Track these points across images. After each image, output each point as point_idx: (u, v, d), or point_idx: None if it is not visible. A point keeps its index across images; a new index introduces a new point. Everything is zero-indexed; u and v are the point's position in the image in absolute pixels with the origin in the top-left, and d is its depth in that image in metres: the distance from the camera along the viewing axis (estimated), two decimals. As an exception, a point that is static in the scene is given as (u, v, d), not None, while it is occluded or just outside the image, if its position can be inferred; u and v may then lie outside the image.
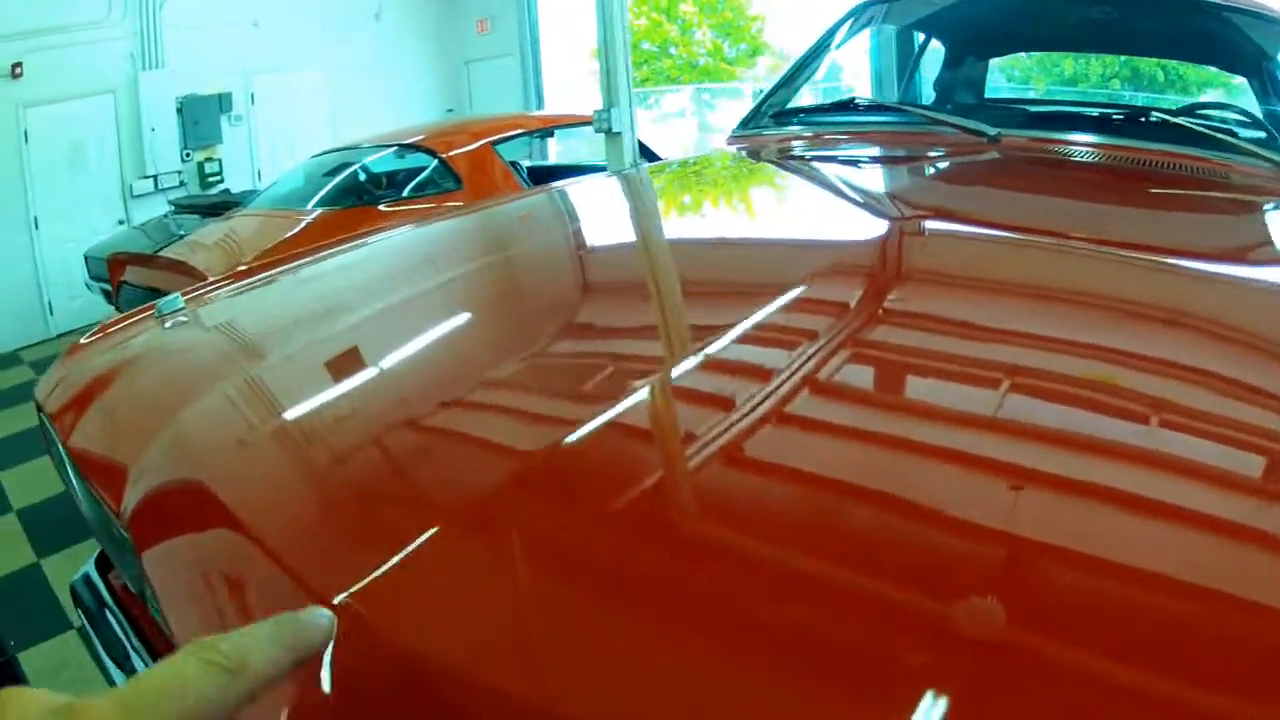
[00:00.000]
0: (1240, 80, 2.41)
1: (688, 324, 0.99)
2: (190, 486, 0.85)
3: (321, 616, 0.51)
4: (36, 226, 7.85)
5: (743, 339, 0.87)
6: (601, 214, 1.84)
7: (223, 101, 9.01)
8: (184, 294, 1.53)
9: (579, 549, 0.58)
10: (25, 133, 7.68)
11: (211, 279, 3.31)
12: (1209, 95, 2.89)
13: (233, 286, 1.61)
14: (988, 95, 3.00)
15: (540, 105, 10.58)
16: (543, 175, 5.30)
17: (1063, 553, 0.53)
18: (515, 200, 2.21)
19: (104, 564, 1.29)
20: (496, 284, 1.35)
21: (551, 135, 6.36)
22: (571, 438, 0.70)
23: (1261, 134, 1.91)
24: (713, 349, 0.84)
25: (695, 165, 2.32)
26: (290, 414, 0.95)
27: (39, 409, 1.27)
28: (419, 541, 0.60)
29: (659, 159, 5.57)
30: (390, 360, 1.02)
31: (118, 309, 4.61)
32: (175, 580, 0.77)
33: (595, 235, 1.63)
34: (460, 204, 4.51)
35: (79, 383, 1.26)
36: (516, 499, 0.64)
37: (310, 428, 0.90)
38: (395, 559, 0.59)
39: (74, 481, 1.10)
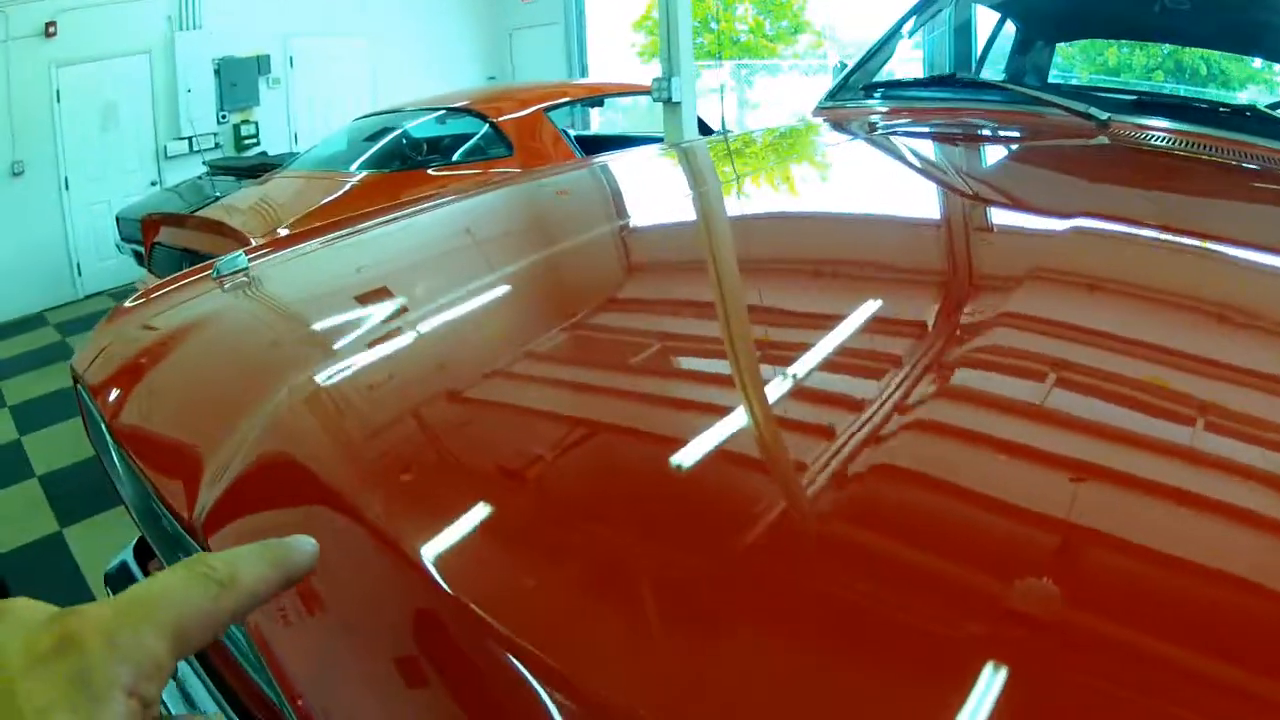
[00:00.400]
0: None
1: (785, 326, 0.89)
2: (301, 485, 0.72)
3: (307, 543, 0.49)
4: (67, 187, 7.73)
5: (845, 345, 0.80)
6: (690, 185, 1.70)
7: (261, 64, 8.83)
8: (247, 252, 1.32)
9: (707, 587, 0.53)
10: (57, 92, 7.56)
11: (264, 239, 3.09)
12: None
13: (294, 248, 1.44)
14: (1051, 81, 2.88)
15: (584, 75, 10.37)
16: (592, 145, 5.08)
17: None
18: (615, 162, 2.04)
19: (142, 552, 1.16)
20: (588, 261, 1.19)
21: (601, 104, 6.18)
22: (680, 460, 0.64)
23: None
24: (813, 355, 0.78)
25: (786, 137, 2.17)
26: (401, 398, 0.81)
27: (76, 380, 1.09)
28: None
29: (712, 132, 5.41)
30: (489, 342, 0.90)
31: (150, 271, 4.50)
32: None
33: (691, 209, 1.45)
34: (511, 170, 4.34)
35: (127, 353, 1.08)
36: (630, 526, 0.60)
37: (438, 417, 0.76)
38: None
39: (116, 463, 0.95)
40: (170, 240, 4.29)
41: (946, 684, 0.43)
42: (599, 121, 7.50)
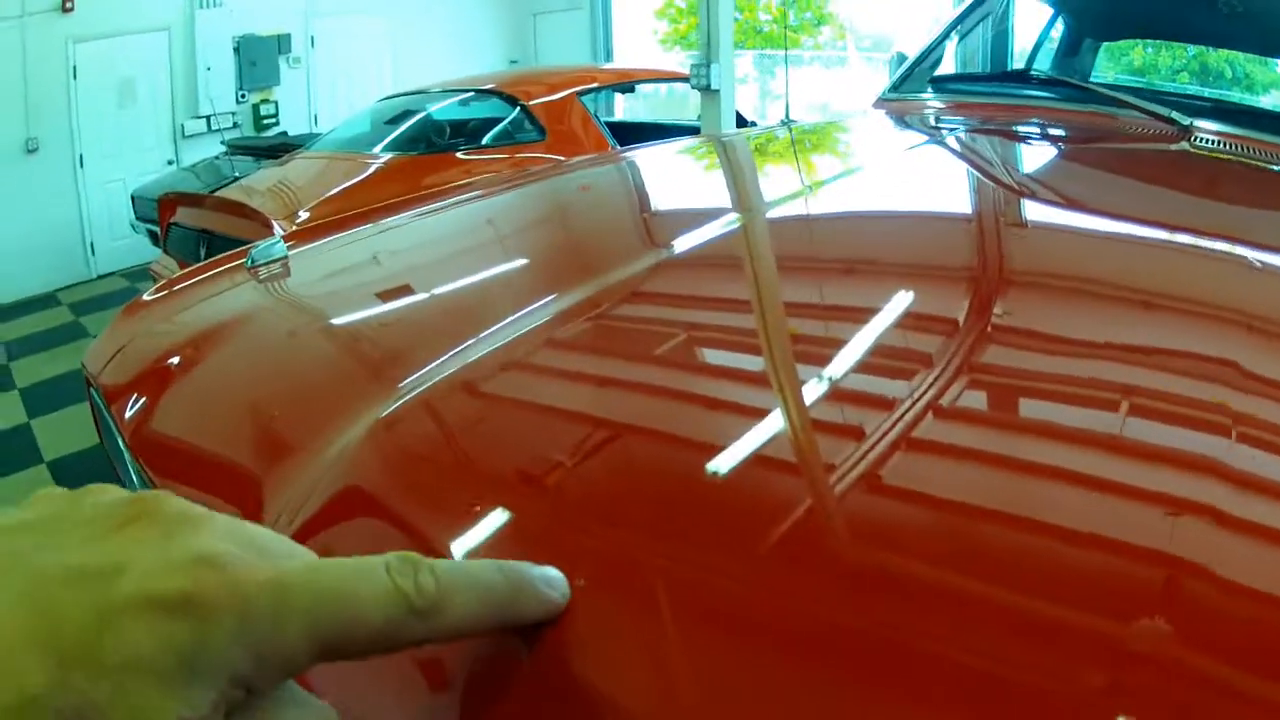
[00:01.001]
0: None
1: (838, 328, 0.81)
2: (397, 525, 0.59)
3: (551, 587, 0.43)
4: (82, 165, 7.62)
5: (903, 351, 0.74)
6: (701, 186, 1.58)
7: (281, 43, 8.71)
8: (285, 238, 1.18)
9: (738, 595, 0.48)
10: (74, 69, 7.45)
11: (285, 221, 2.95)
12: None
13: (335, 237, 1.30)
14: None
15: (610, 60, 10.23)
16: (622, 132, 4.93)
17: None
18: (613, 163, 1.92)
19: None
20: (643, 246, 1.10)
21: (632, 90, 6.04)
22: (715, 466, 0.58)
23: None
24: (858, 359, 0.71)
25: (840, 129, 2.05)
26: (518, 423, 0.68)
27: (89, 383, 0.95)
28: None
29: (748, 123, 5.27)
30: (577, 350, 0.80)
31: (165, 251, 4.39)
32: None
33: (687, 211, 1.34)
34: (543, 156, 4.21)
35: (151, 355, 0.93)
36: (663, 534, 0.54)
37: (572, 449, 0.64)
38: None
39: (135, 483, 0.81)
40: (187, 220, 4.16)
41: None
42: (622, 109, 7.37)
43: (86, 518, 0.35)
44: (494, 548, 0.53)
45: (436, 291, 0.98)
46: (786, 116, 3.12)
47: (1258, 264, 0.97)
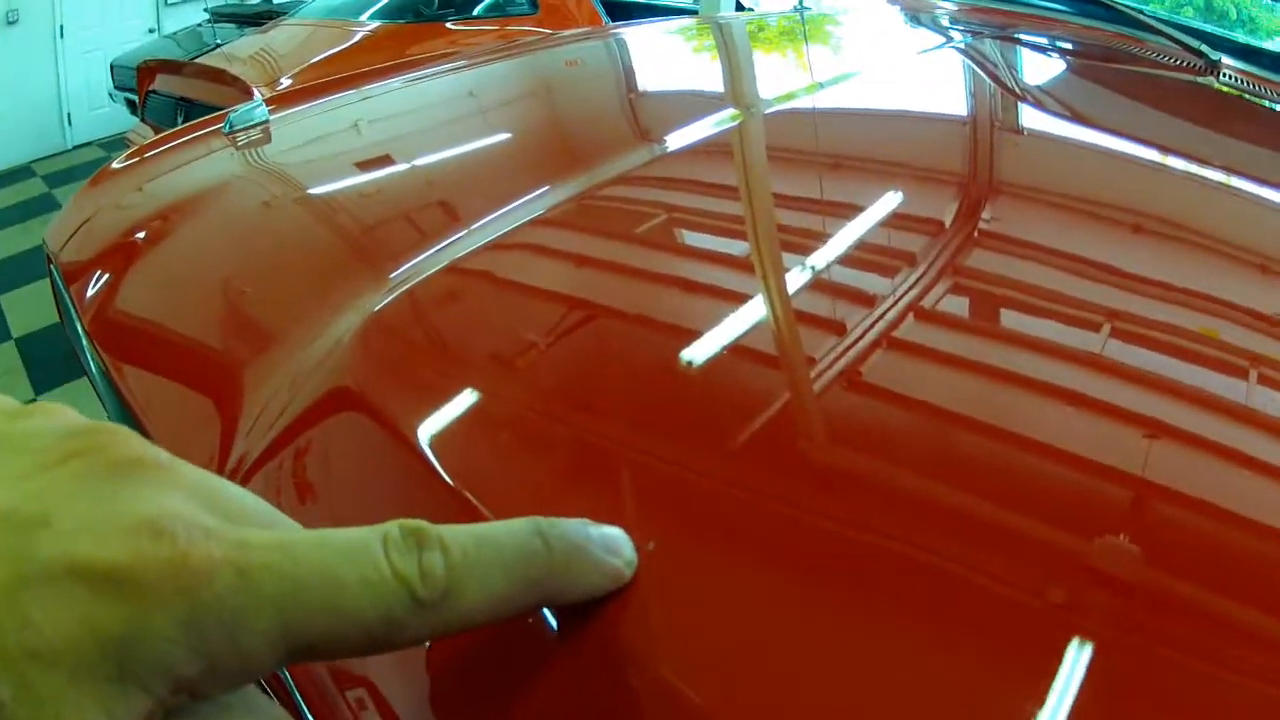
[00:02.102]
0: None
1: (825, 223, 0.78)
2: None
3: (616, 552, 0.37)
4: (62, 35, 7.39)
5: (863, 259, 0.71)
6: (693, 70, 1.50)
7: (266, -97, 8.40)
8: (267, 101, 1.09)
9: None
10: (54, -65, 7.21)
11: (266, 89, 2.82)
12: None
13: (316, 102, 1.21)
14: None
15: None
16: (615, 9, 4.78)
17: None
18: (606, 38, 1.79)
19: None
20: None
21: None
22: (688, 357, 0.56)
23: None
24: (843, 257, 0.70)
25: (843, 22, 1.91)
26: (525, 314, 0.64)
27: (49, 260, 0.87)
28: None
29: (744, 8, 5.11)
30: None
31: (143, 120, 4.26)
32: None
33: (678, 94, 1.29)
34: (535, 30, 4.08)
35: (116, 229, 0.86)
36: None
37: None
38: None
39: (97, 380, 0.75)
40: (165, 88, 4.02)
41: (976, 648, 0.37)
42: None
43: (18, 445, 0.28)
44: (501, 456, 0.49)
45: (424, 170, 0.91)
46: (800, 2, 2.98)
47: (1265, 203, 0.95)
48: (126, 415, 0.64)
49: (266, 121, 1.04)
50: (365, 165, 0.91)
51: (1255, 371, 0.59)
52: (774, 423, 0.50)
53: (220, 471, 0.53)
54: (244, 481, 0.52)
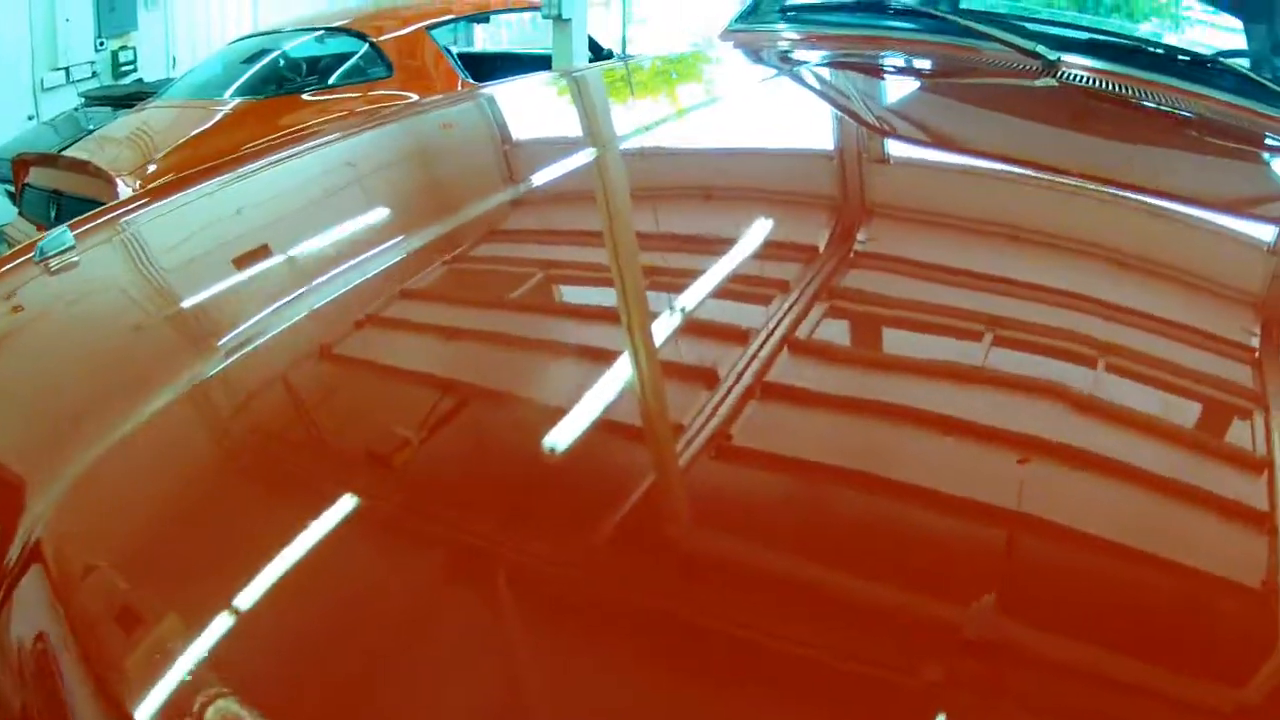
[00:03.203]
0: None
1: (667, 270, 0.83)
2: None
3: None
4: (-60, 125, 7.34)
5: (731, 294, 0.75)
6: (551, 124, 1.54)
7: (139, -15, 8.45)
8: (72, 226, 1.12)
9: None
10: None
11: (132, 176, 2.87)
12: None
13: (136, 210, 1.21)
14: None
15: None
16: (476, 63, 4.95)
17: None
18: (458, 103, 1.93)
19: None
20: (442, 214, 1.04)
21: (486, 20, 6.05)
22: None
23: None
24: (696, 303, 0.72)
25: (684, 63, 1.98)
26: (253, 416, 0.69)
27: None
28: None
29: (604, 51, 5.27)
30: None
31: (20, 213, 4.30)
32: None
33: (563, 151, 1.24)
34: (391, 93, 4.22)
35: None
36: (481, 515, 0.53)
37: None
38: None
39: None
40: (39, 181, 4.08)
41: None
42: (483, 39, 7.33)
43: None
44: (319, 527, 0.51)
45: (228, 271, 0.95)
46: (623, 51, 3.09)
47: (1116, 198, 1.02)
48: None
49: (73, 245, 1.04)
50: (177, 276, 0.96)
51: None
52: (638, 510, 0.51)
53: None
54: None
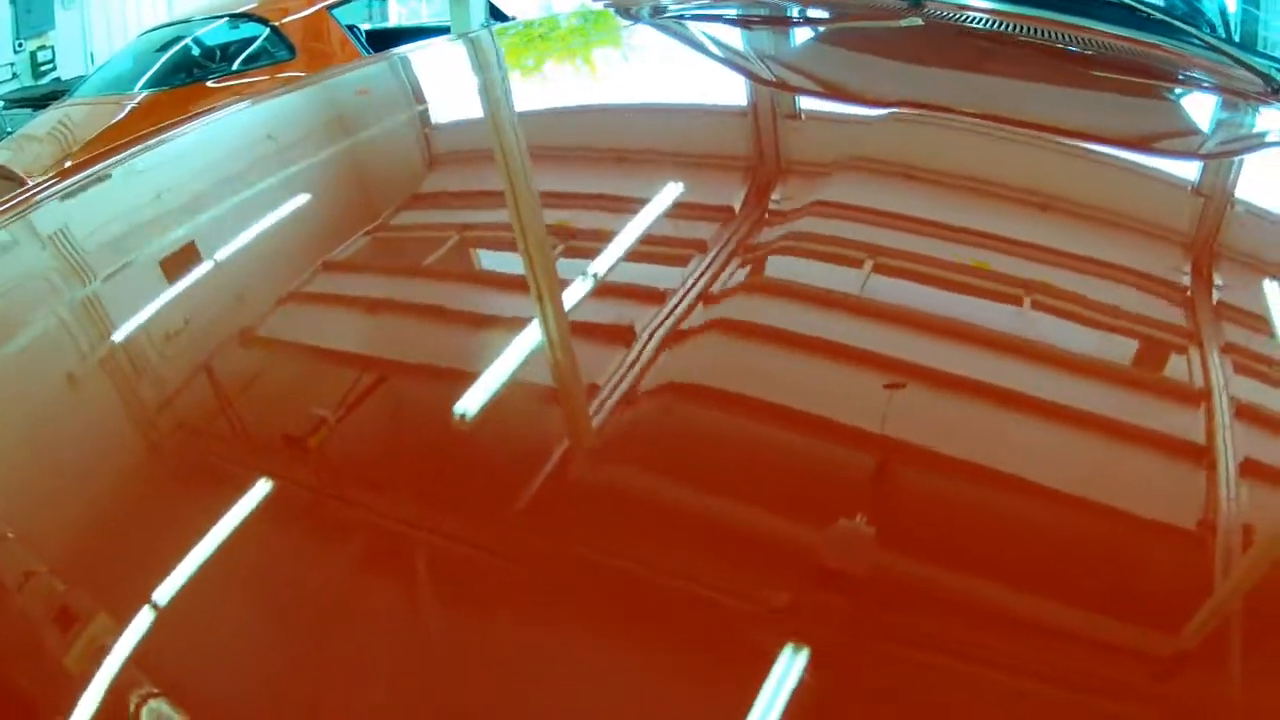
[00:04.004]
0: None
1: (553, 224, 0.84)
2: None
3: None
4: None
5: (623, 243, 0.76)
6: (440, 89, 1.50)
7: (56, -16, 8.47)
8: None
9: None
10: None
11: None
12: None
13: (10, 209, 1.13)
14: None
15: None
16: (383, 39, 5.02)
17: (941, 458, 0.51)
18: (351, 71, 1.88)
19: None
20: (337, 181, 1.07)
21: (388, -4, 6.10)
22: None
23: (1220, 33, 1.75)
24: (594, 255, 0.73)
25: (551, 25, 2.02)
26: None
27: None
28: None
29: (509, 19, 5.32)
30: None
31: None
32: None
33: (435, 117, 1.30)
34: (294, 75, 4.30)
35: None
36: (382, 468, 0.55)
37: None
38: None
39: None
40: (-42, 185, 4.16)
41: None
42: (399, 12, 7.37)
43: None
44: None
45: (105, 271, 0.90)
46: (486, 19, 3.12)
47: (966, 127, 1.06)
48: None
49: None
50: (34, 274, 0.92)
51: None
52: (552, 477, 0.51)
53: None
54: None
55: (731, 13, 1.72)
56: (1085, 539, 0.47)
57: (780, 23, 1.70)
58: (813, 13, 1.69)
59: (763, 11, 1.73)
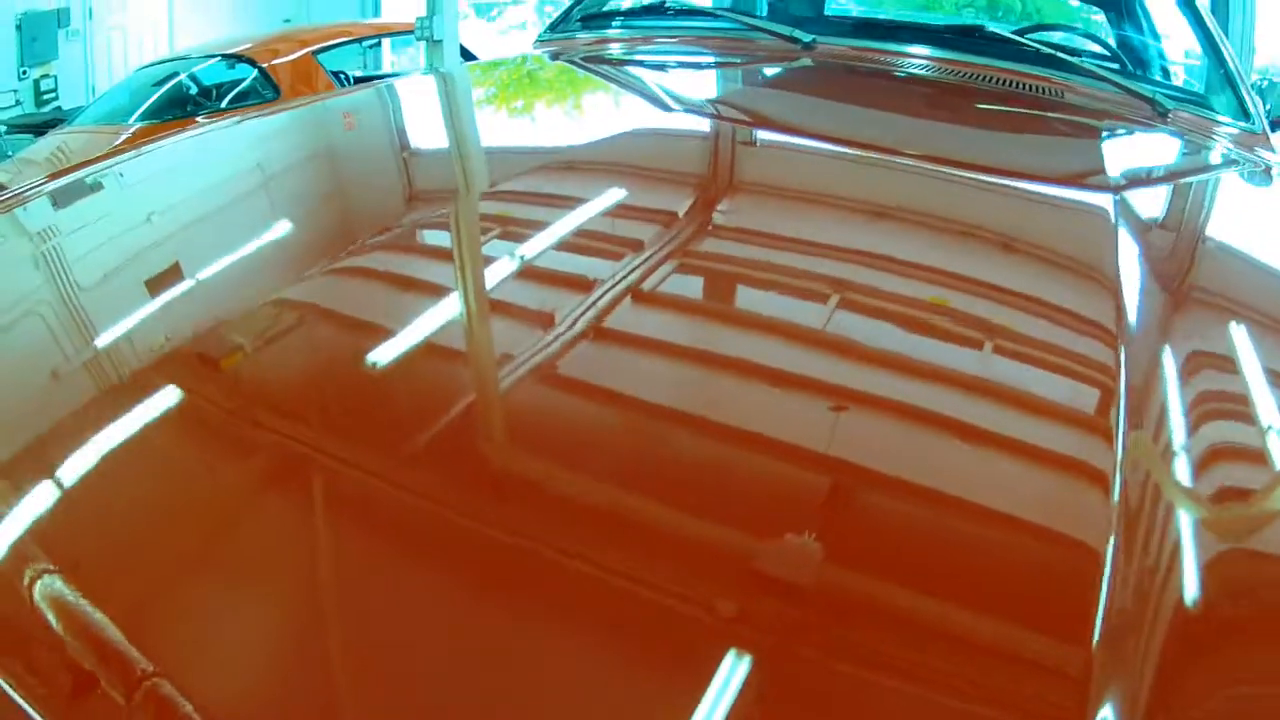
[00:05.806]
0: (1100, 15, 2.43)
1: (491, 245, 0.87)
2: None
3: None
4: None
5: (547, 257, 0.80)
6: (382, 124, 1.59)
7: (61, 16, 8.66)
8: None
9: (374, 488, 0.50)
10: None
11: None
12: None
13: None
14: (829, 10, 2.89)
15: (378, 14, 10.32)
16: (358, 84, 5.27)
17: (888, 482, 0.52)
18: (291, 110, 2.05)
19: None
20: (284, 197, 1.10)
21: (378, 43, 6.41)
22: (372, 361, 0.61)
23: (1110, 61, 1.93)
24: (519, 269, 0.77)
25: (491, 69, 2.20)
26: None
27: None
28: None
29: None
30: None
31: None
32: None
33: (365, 153, 1.35)
34: (278, 114, 4.53)
35: None
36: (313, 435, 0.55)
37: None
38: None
39: None
40: (-42, 204, 4.37)
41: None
42: (398, 61, 7.63)
43: None
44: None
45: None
46: (427, 66, 3.21)
47: (840, 156, 1.12)
48: None
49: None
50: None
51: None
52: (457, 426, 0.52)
53: None
54: None
55: (646, 57, 1.90)
56: (986, 546, 0.49)
57: (687, 66, 1.88)
58: (719, 56, 1.87)
59: (672, 56, 1.90)
